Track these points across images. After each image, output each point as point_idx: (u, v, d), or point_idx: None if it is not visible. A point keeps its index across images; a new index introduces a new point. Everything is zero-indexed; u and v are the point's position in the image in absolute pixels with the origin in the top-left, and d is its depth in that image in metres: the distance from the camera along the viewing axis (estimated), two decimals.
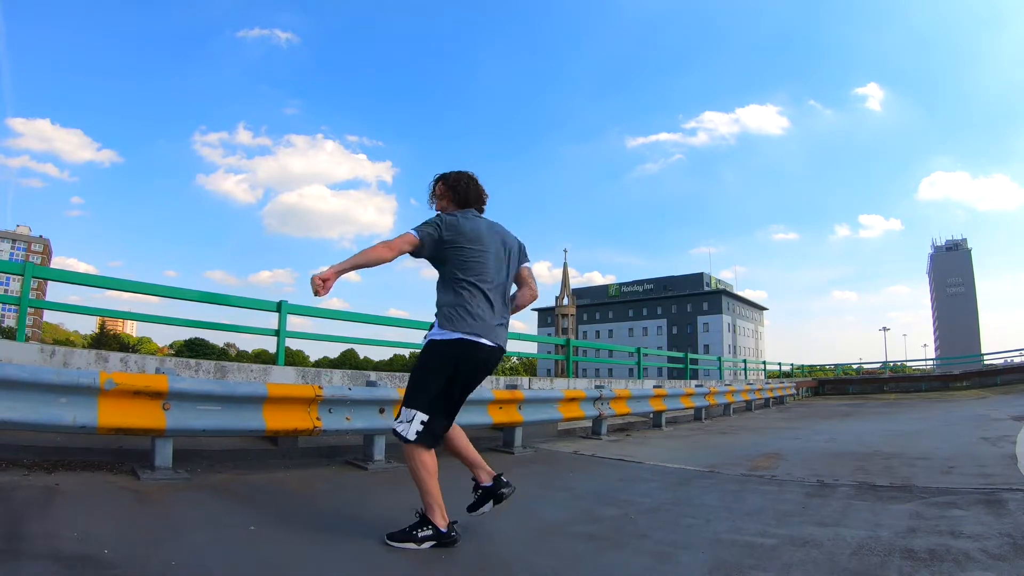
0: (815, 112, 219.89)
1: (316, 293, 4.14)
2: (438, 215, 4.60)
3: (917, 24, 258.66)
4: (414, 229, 4.37)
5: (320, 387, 6.15)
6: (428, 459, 4.16)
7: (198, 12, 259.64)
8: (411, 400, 4.24)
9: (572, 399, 9.91)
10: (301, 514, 4.66)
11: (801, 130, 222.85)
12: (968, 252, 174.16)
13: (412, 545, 3.98)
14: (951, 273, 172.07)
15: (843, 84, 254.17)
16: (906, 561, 3.76)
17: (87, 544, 3.47)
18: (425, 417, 4.18)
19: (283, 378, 7.58)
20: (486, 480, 4.62)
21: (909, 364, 59.37)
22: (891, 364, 52.88)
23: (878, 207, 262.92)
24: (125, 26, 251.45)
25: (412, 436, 4.14)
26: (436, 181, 4.81)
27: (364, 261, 4.36)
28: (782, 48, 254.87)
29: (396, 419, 4.26)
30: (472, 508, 4.56)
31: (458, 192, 4.72)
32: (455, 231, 4.45)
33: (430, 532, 4.04)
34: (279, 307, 8.70)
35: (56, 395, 4.78)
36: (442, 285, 4.50)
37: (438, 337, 4.33)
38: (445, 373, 4.28)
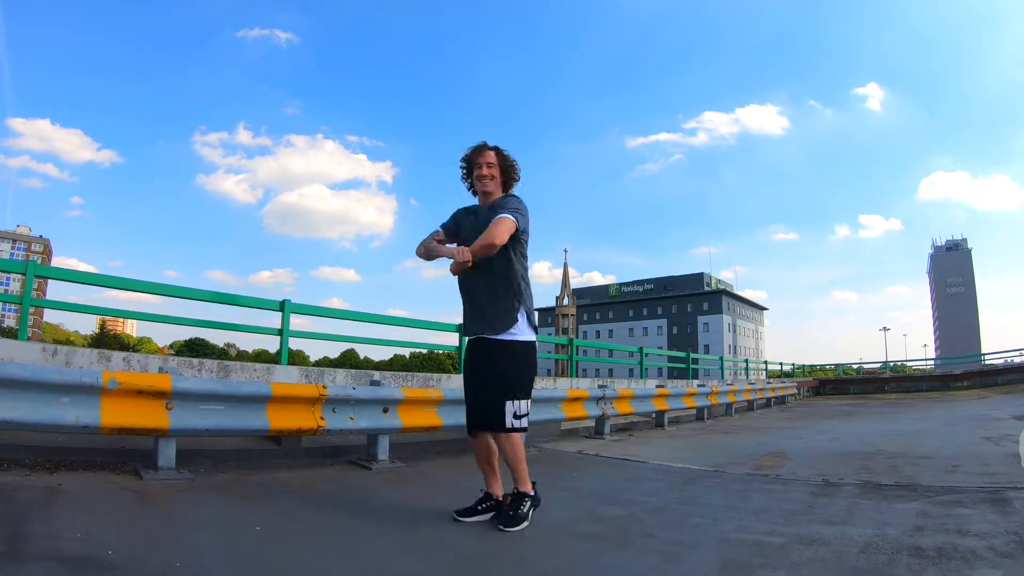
0: (815, 112, 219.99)
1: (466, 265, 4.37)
2: (516, 197, 4.65)
3: (917, 24, 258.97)
4: (508, 213, 4.42)
5: (324, 386, 6.13)
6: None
7: (198, 12, 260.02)
8: (523, 393, 4.55)
9: (575, 399, 9.88)
10: (304, 514, 4.64)
11: (801, 130, 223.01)
12: (968, 252, 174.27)
13: (526, 523, 4.42)
14: (951, 273, 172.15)
15: (843, 84, 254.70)
16: (914, 559, 3.74)
17: (89, 545, 3.45)
18: (530, 404, 4.61)
19: (286, 377, 7.57)
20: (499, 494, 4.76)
21: (909, 364, 59.47)
22: (891, 364, 52.95)
23: (878, 207, 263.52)
24: (125, 26, 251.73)
25: (528, 424, 4.51)
26: (489, 149, 4.70)
27: (485, 250, 4.39)
28: (782, 48, 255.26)
29: (511, 416, 4.46)
30: (465, 514, 4.63)
31: (512, 175, 4.75)
32: (528, 219, 4.61)
33: (529, 502, 4.53)
34: (282, 306, 8.70)
35: (58, 395, 4.75)
36: (512, 277, 4.60)
37: (533, 339, 4.70)
38: (535, 369, 4.72)
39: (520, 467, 4.52)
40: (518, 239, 4.53)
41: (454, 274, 4.55)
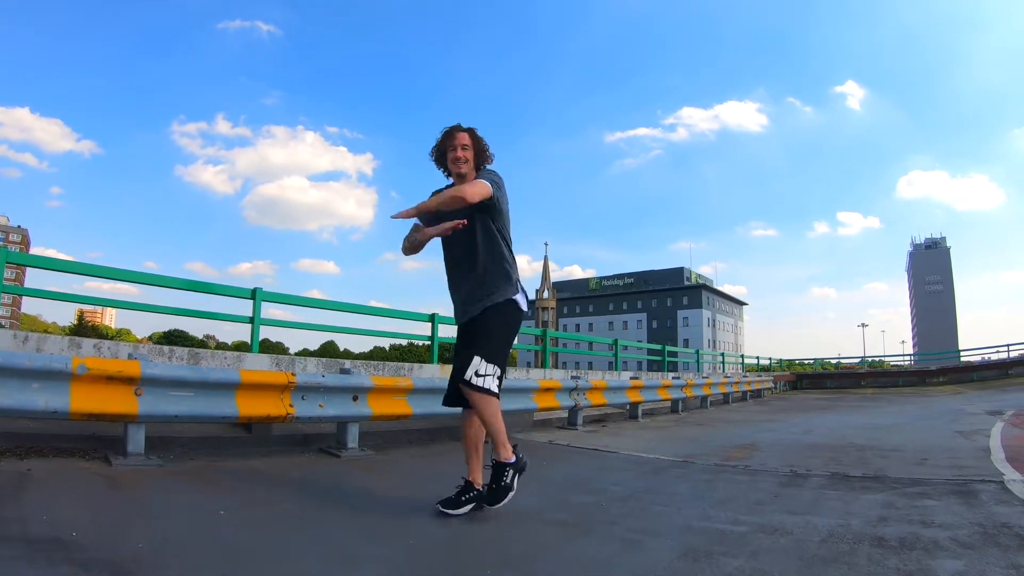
0: (794, 109, 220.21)
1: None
2: (492, 171, 4.60)
3: (897, 24, 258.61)
4: (486, 179, 4.41)
5: (293, 374, 6.14)
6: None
7: (179, 3, 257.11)
8: (495, 357, 4.42)
9: (547, 389, 9.93)
10: (271, 500, 4.65)
11: (780, 127, 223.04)
12: (947, 251, 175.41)
13: (512, 494, 4.35)
14: (930, 271, 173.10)
15: (822, 82, 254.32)
16: (875, 549, 3.78)
17: (57, 528, 3.46)
18: (500, 372, 4.45)
19: (257, 365, 7.53)
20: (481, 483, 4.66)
21: (887, 360, 59.76)
22: (869, 360, 53.22)
23: (857, 205, 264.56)
24: (105, 15, 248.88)
25: (496, 389, 4.35)
26: (463, 131, 4.63)
27: (449, 202, 4.32)
28: (760, 46, 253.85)
29: (475, 375, 4.30)
30: (449, 505, 4.55)
31: (485, 156, 4.69)
32: (504, 189, 4.57)
33: (512, 472, 4.42)
34: (253, 294, 8.66)
35: (29, 380, 4.75)
36: (493, 243, 4.55)
37: (515, 297, 4.56)
38: (515, 333, 4.64)
39: (499, 428, 4.42)
40: (499, 204, 4.51)
41: (437, 235, 4.45)
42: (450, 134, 4.63)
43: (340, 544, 3.76)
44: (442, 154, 4.67)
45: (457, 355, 4.64)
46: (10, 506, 3.79)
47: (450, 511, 4.40)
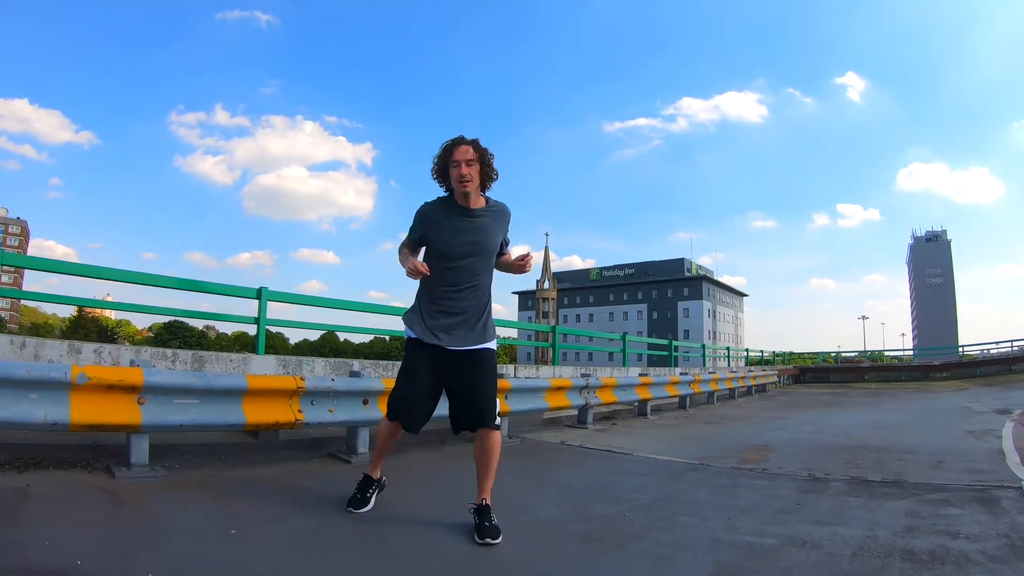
0: (794, 101, 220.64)
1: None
2: (504, 206, 4.42)
3: (898, 16, 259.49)
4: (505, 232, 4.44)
5: (302, 378, 5.99)
6: None
7: None
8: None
9: (559, 388, 9.81)
10: (282, 515, 4.49)
11: (780, 118, 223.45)
12: (948, 243, 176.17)
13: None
14: (930, 264, 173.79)
15: (822, 73, 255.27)
16: (907, 563, 3.71)
17: (59, 554, 3.29)
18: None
19: (263, 368, 7.40)
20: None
21: (888, 353, 59.81)
22: (869, 352, 53.38)
23: (856, 197, 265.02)
24: (103, 7, 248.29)
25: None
26: (467, 143, 4.24)
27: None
28: (760, 36, 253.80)
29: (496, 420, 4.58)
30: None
31: (489, 171, 4.33)
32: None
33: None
34: (259, 294, 8.45)
35: (27, 391, 4.59)
36: (488, 286, 4.48)
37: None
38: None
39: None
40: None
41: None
42: (453, 147, 4.23)
43: (358, 562, 3.67)
44: (443, 169, 4.29)
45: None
46: (9, 529, 3.64)
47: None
